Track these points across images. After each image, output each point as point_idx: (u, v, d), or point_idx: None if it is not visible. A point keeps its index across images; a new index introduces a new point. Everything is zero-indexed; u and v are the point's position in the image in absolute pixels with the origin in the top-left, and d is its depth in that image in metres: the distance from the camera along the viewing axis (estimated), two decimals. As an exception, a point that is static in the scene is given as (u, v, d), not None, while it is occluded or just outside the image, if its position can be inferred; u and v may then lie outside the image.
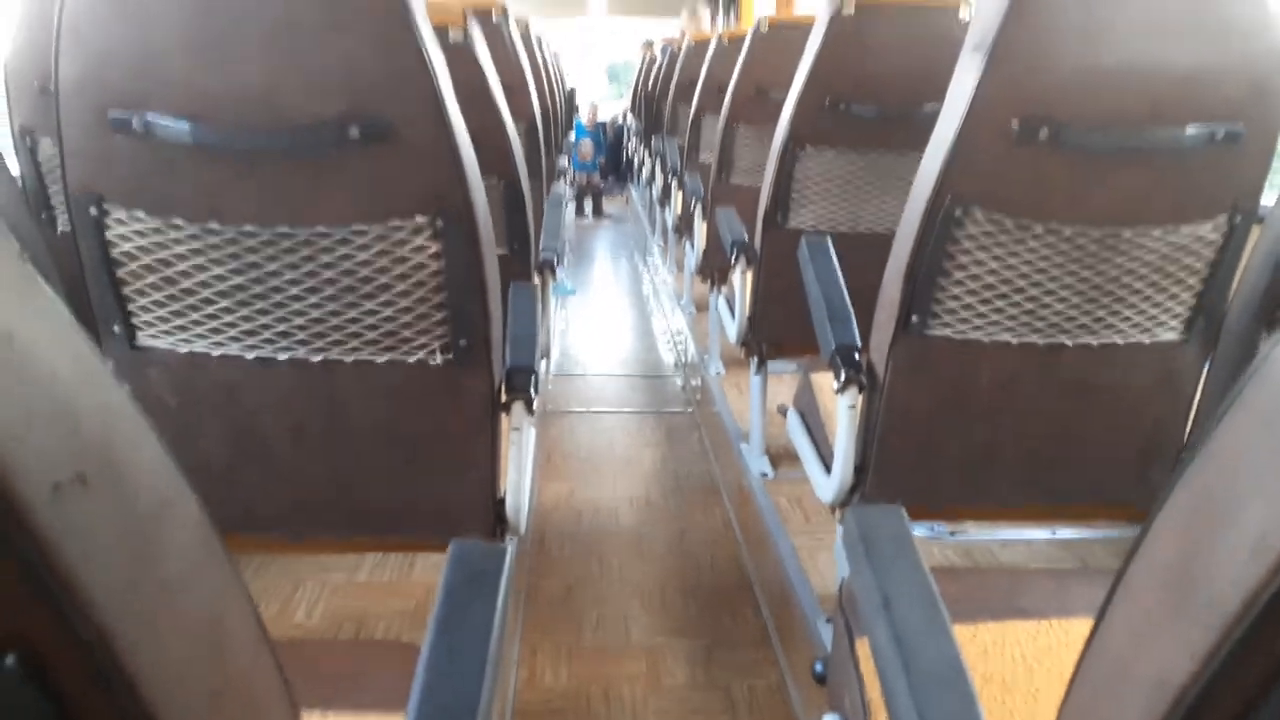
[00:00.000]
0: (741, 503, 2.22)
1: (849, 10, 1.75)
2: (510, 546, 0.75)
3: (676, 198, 3.85)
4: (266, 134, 0.95)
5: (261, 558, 1.70)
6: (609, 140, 7.94)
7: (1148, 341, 1.25)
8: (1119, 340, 1.24)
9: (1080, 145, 1.11)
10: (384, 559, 1.85)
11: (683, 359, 3.46)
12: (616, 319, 4.18)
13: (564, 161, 3.80)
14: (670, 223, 4.10)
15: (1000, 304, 1.22)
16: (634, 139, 6.67)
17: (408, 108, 0.95)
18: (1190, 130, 1.09)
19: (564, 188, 3.46)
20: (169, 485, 0.40)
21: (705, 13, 5.64)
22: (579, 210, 6.94)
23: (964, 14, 1.81)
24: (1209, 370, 1.28)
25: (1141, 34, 1.07)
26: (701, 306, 3.74)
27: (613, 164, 7.89)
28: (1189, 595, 0.37)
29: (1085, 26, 1.06)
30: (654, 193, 4.80)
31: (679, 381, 3.23)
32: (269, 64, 0.92)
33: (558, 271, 2.21)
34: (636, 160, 6.31)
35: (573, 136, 5.47)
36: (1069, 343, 1.24)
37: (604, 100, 8.84)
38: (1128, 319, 1.23)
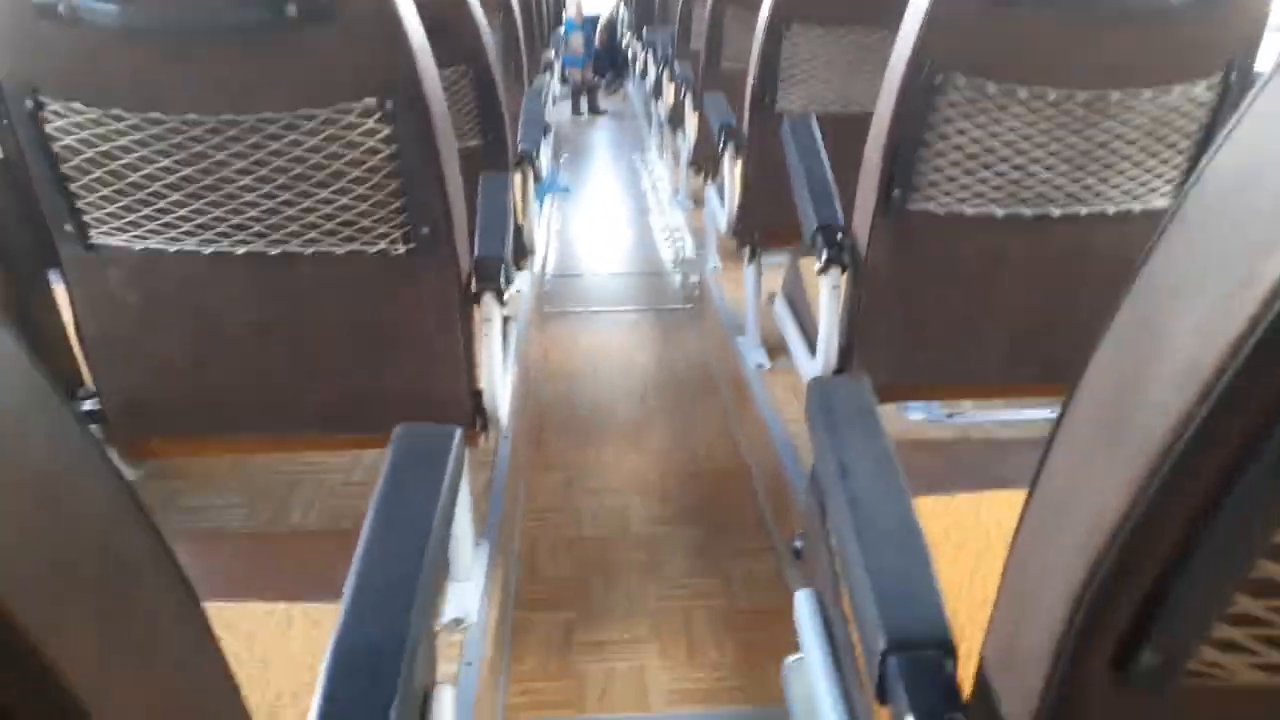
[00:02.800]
0: (738, 394, 2.23)
1: None
2: (458, 430, 0.75)
3: (668, 89, 3.74)
4: (199, 14, 0.91)
5: (251, 459, 1.71)
6: (603, 34, 7.65)
7: (1138, 209, 1.22)
8: (1109, 208, 1.21)
9: (1064, 3, 1.06)
10: (378, 457, 1.86)
11: (680, 255, 3.43)
12: (614, 217, 4.12)
13: (550, 55, 3.68)
14: (663, 115, 4.00)
15: (984, 174, 1.18)
16: (628, 31, 6.44)
17: None
18: None
19: (547, 80, 3.35)
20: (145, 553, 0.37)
21: None
22: (575, 108, 6.76)
23: None
24: None
25: None
26: (698, 200, 3.67)
27: (608, 59, 7.62)
28: (1121, 428, 0.37)
29: None
30: (648, 85, 4.66)
31: (677, 278, 3.20)
32: None
33: (548, 167, 2.16)
34: (630, 53, 6.11)
35: (561, 30, 5.27)
36: (1057, 212, 1.21)
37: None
38: (1117, 186, 1.20)
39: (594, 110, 6.87)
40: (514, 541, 1.71)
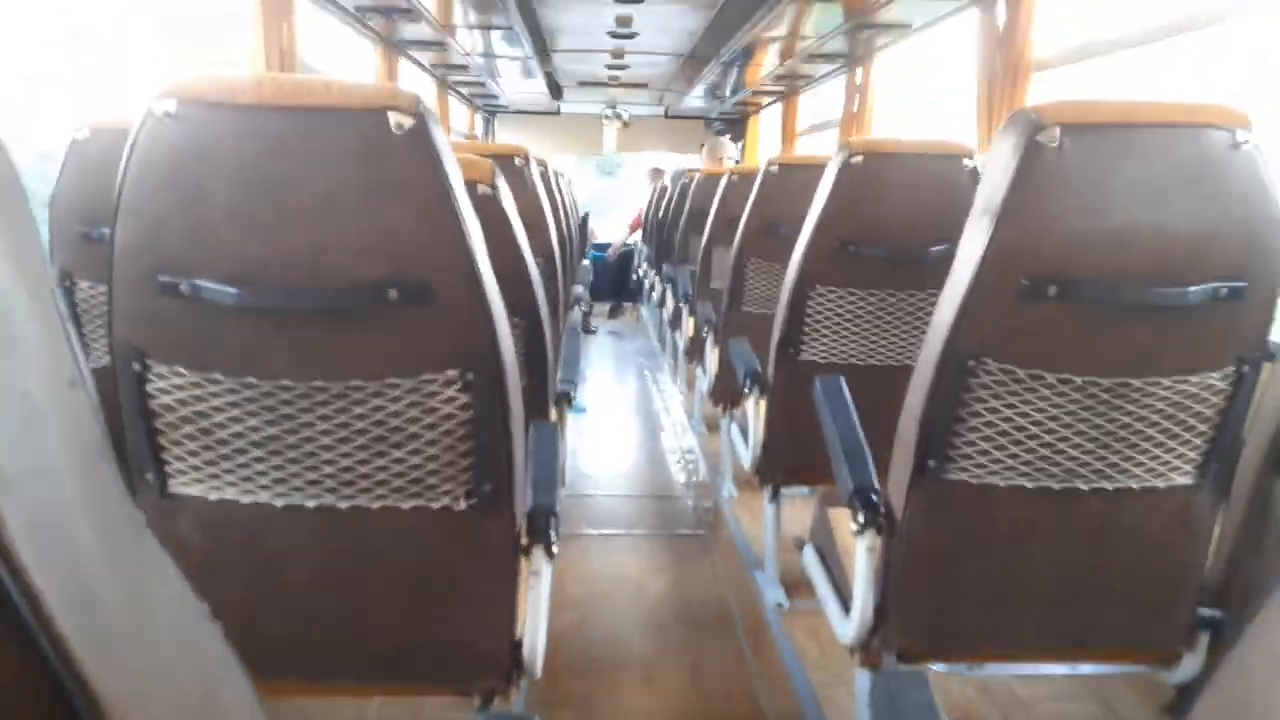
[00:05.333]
0: (756, 633, 2.18)
1: (857, 161, 1.84)
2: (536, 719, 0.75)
3: (688, 323, 3.94)
4: (308, 294, 0.99)
5: (271, 701, 1.66)
6: (612, 265, 7.98)
7: (1163, 486, 1.27)
8: (1134, 485, 1.26)
9: (1088, 302, 1.15)
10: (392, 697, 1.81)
11: (694, 479, 3.47)
12: (625, 437, 4.20)
13: (579, 289, 3.90)
14: (682, 345, 4.18)
15: (1015, 450, 1.24)
16: (644, 264, 6.86)
17: (444, 271, 0.99)
18: (1193, 289, 1.13)
19: (579, 316, 3.54)
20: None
21: (728, 149, 5.86)
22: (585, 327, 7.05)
23: (968, 163, 1.90)
24: (1224, 514, 1.30)
25: (1143, 196, 1.12)
26: (712, 426, 3.76)
27: (616, 287, 7.89)
28: None
29: (1089, 190, 1.12)
30: (665, 314, 4.91)
31: (690, 503, 3.22)
32: (314, 233, 0.97)
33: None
34: (647, 283, 6.48)
35: (587, 263, 5.64)
36: (1085, 488, 1.26)
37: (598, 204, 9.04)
38: (1141, 464, 1.25)
39: (586, 330, 7.15)
40: None
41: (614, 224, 8.69)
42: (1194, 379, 1.20)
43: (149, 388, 1.04)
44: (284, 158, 0.95)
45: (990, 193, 1.15)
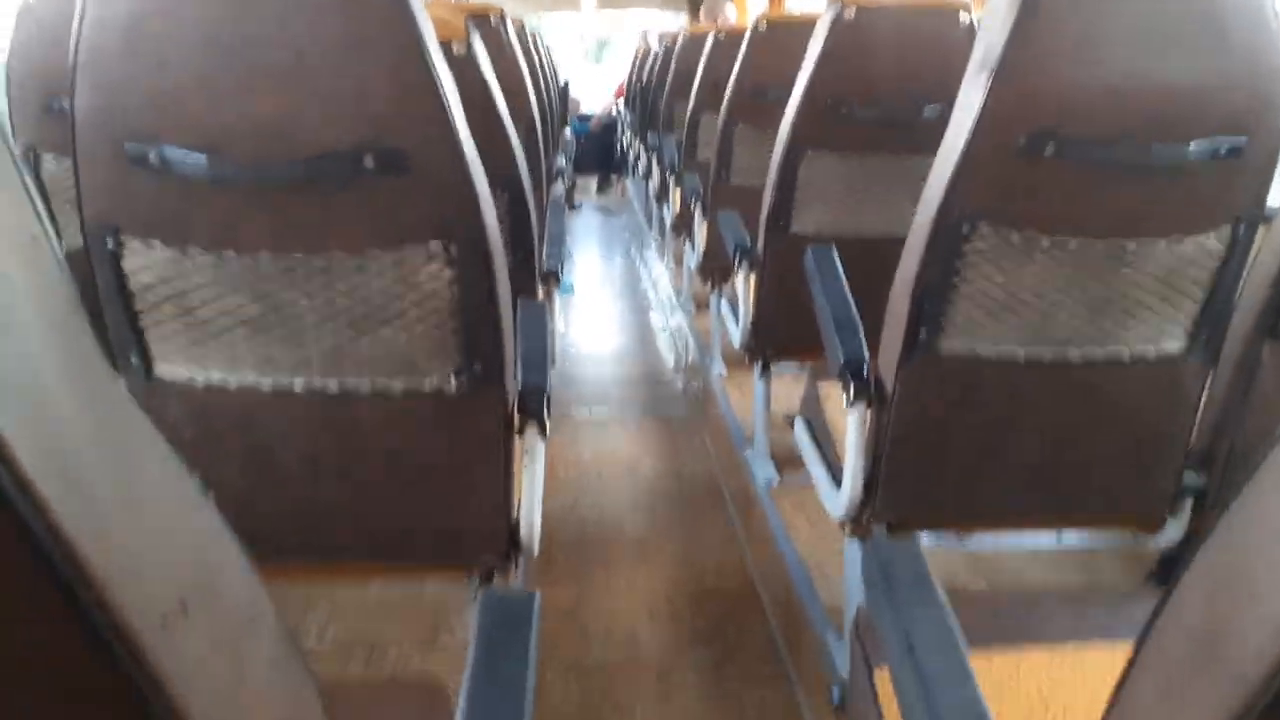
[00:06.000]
0: (746, 510, 2.21)
1: (849, 15, 1.73)
2: (537, 594, 0.76)
3: (674, 195, 3.83)
4: (282, 165, 0.94)
5: (270, 583, 1.69)
6: (596, 134, 7.77)
7: (1153, 353, 1.25)
8: (1125, 351, 1.24)
9: (1085, 159, 1.11)
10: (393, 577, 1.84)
11: (684, 359, 3.45)
12: (614, 316, 4.16)
13: (561, 160, 3.77)
14: (669, 220, 4.09)
15: (1007, 317, 1.22)
16: (628, 132, 6.63)
17: (421, 137, 0.95)
18: (1193, 146, 1.09)
19: (562, 189, 3.43)
20: (253, 601, 0.43)
21: (730, 7, 5.55)
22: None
23: (963, 17, 1.79)
24: (1212, 381, 1.28)
25: (1143, 49, 1.07)
26: (701, 303, 3.72)
27: (601, 159, 7.67)
28: (1214, 662, 0.39)
29: (1089, 43, 1.07)
30: (650, 187, 4.78)
31: (680, 383, 3.22)
32: (283, 95, 0.92)
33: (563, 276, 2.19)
34: (632, 154, 6.28)
35: (568, 132, 5.42)
36: (1076, 358, 1.23)
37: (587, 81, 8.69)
38: (1132, 330, 1.23)
39: (570, 205, 7.00)
40: None
41: (597, 92, 8.37)
42: (1189, 240, 1.17)
43: (124, 265, 1.00)
44: (250, 15, 0.90)
45: (987, 47, 1.09)
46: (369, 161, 0.94)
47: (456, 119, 0.96)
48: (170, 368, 1.07)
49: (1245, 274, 1.22)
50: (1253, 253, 1.21)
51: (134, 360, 1.06)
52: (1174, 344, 1.25)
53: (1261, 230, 1.20)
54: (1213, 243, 1.18)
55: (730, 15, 5.63)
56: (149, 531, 0.33)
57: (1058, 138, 1.09)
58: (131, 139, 0.93)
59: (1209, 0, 1.07)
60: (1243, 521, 0.40)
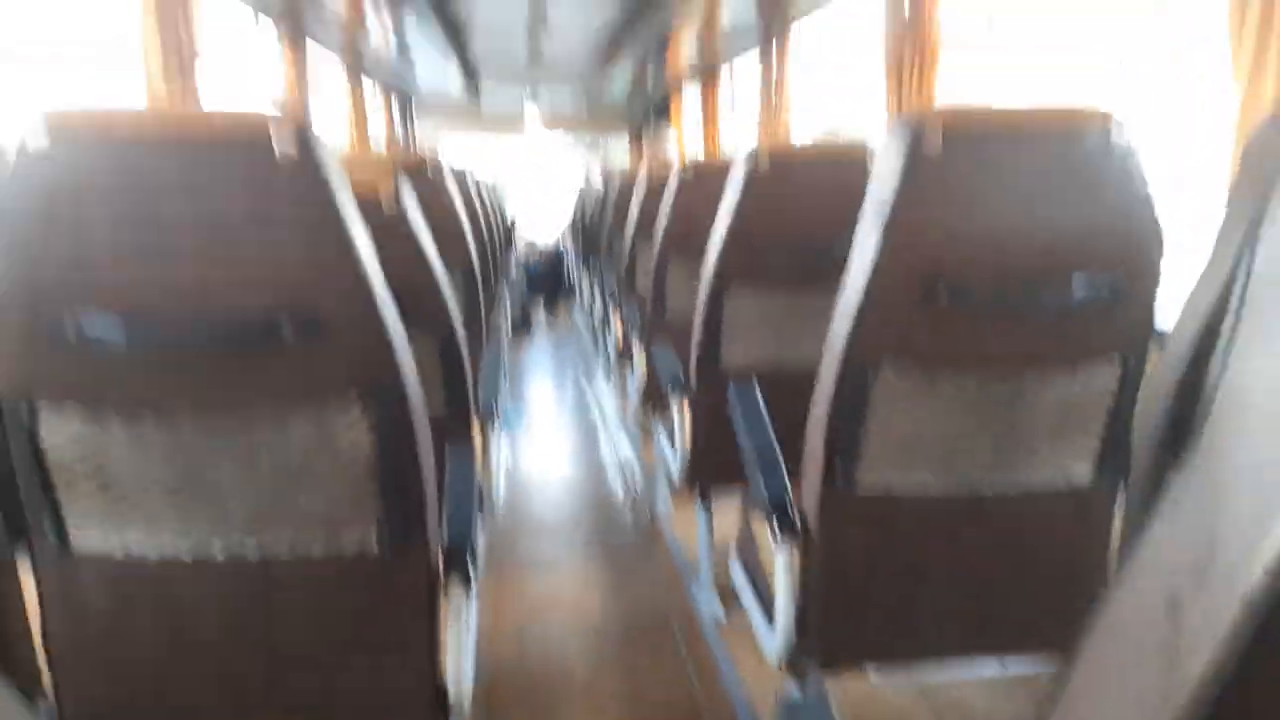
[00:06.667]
0: (694, 644, 2.17)
1: (764, 166, 1.83)
2: None
3: (616, 323, 3.91)
4: (198, 331, 0.96)
5: None
6: (541, 265, 7.97)
7: (1063, 484, 1.29)
8: (1035, 484, 1.28)
9: (977, 303, 1.17)
10: None
11: (631, 487, 3.44)
12: (563, 445, 4.15)
13: (505, 291, 3.83)
14: (612, 346, 4.15)
15: (918, 451, 1.26)
16: (574, 262, 6.80)
17: (336, 299, 0.97)
18: (1077, 285, 1.16)
19: (505, 327, 3.47)
20: None
21: (671, 145, 5.85)
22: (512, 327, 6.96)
23: (870, 165, 1.90)
24: (1125, 507, 1.31)
25: (1025, 198, 1.15)
26: (647, 430, 3.74)
27: (549, 285, 7.85)
28: None
29: (972, 193, 1.14)
30: (595, 316, 4.87)
31: (628, 513, 3.20)
32: (200, 266, 0.94)
33: (501, 408, 2.20)
34: (578, 283, 6.42)
35: (512, 268, 5.56)
36: (989, 493, 1.27)
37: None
38: (1042, 459, 1.27)
39: (526, 329, 7.09)
40: None
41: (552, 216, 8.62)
42: (1082, 373, 1.23)
43: (40, 435, 0.99)
44: (166, 192, 0.93)
45: (878, 201, 1.16)
46: (284, 326, 0.96)
47: (373, 279, 0.99)
48: (86, 537, 1.05)
49: (1141, 399, 1.27)
50: (1146, 378, 1.26)
51: (47, 530, 1.04)
52: (1082, 472, 1.29)
53: (1154, 354, 1.26)
54: (1105, 375, 1.24)
55: (671, 151, 5.90)
56: None
57: (949, 282, 1.15)
58: (48, 309, 0.94)
59: (1083, 152, 1.15)
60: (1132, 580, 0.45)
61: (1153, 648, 0.40)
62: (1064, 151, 1.15)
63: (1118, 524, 1.33)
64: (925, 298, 1.15)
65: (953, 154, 1.11)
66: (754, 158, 1.83)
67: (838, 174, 1.90)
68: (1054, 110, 1.15)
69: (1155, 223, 1.18)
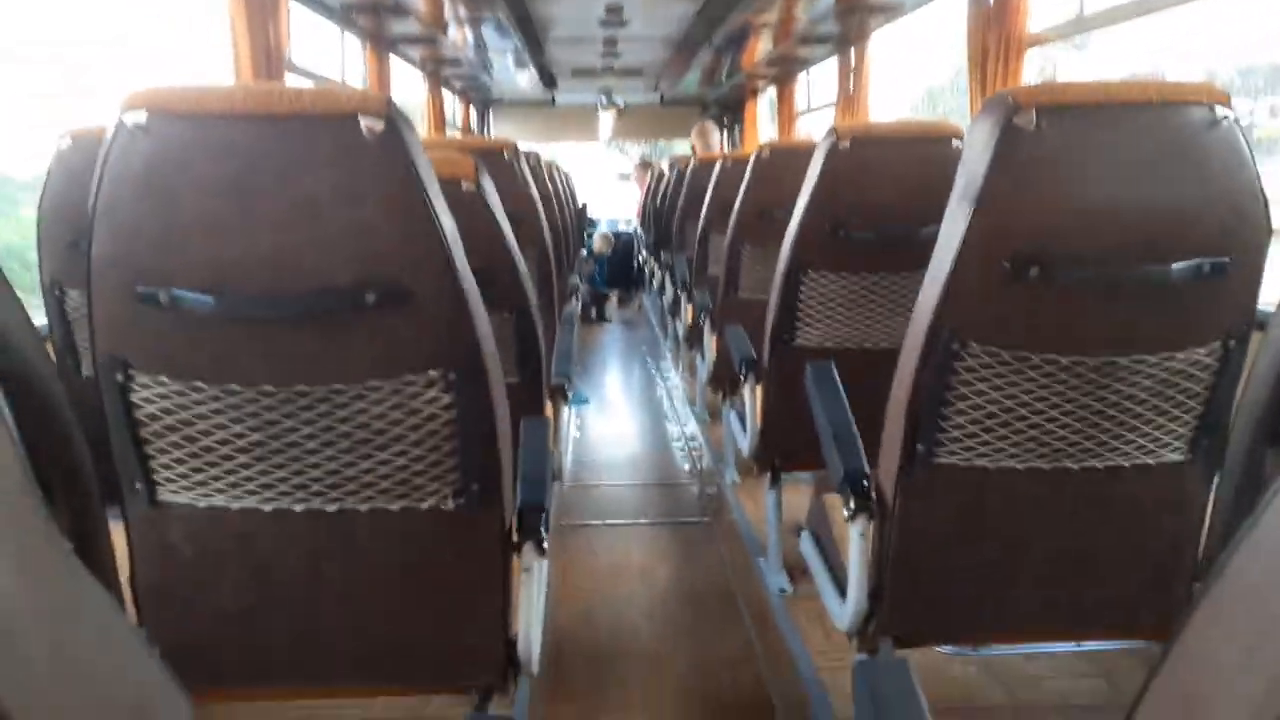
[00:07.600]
0: (761, 619, 2.20)
1: (844, 145, 1.84)
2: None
3: (686, 310, 3.94)
4: (284, 303, 0.99)
5: (273, 703, 1.69)
6: (617, 251, 8.09)
7: (1153, 463, 1.26)
8: (1124, 463, 1.26)
9: (1069, 282, 1.15)
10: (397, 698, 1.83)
11: (698, 466, 3.48)
12: (630, 425, 4.21)
13: (575, 279, 3.90)
14: (681, 332, 4.19)
15: (1003, 431, 1.24)
16: (644, 250, 6.86)
17: (420, 272, 1.00)
18: (1176, 266, 1.12)
19: (576, 306, 3.54)
20: None
21: (715, 134, 5.97)
22: (585, 316, 7.08)
23: (956, 144, 1.88)
24: (1217, 488, 1.29)
25: (1122, 176, 1.12)
26: (714, 412, 3.77)
27: (621, 275, 8.00)
28: None
29: (1067, 171, 1.12)
30: (665, 302, 4.91)
31: (694, 490, 3.24)
32: (288, 239, 0.97)
33: (573, 384, 2.25)
34: (648, 270, 6.48)
35: (584, 253, 5.66)
36: (1074, 466, 1.26)
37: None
38: (1131, 441, 1.25)
39: (601, 318, 7.26)
40: None
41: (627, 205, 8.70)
42: (1180, 356, 1.20)
43: (133, 397, 1.05)
44: (256, 166, 0.96)
45: (969, 177, 1.15)
46: (369, 297, 0.98)
47: (455, 254, 1.01)
48: (173, 492, 1.10)
49: (1243, 381, 1.23)
50: (1249, 360, 1.22)
51: (138, 485, 1.09)
52: (1174, 454, 1.27)
53: (1257, 337, 1.22)
54: (1204, 357, 1.21)
55: (714, 144, 5.98)
56: (82, 690, 0.34)
57: (1041, 261, 1.13)
58: (141, 280, 0.98)
59: (1185, 128, 1.11)
60: (1184, 651, 0.43)
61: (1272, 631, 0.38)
62: (1165, 127, 1.12)
63: (1208, 507, 1.31)
64: (1015, 276, 1.13)
65: (1047, 129, 1.09)
66: (836, 135, 1.84)
67: (921, 153, 1.88)
68: (1155, 84, 1.12)
69: (1262, 203, 1.14)
